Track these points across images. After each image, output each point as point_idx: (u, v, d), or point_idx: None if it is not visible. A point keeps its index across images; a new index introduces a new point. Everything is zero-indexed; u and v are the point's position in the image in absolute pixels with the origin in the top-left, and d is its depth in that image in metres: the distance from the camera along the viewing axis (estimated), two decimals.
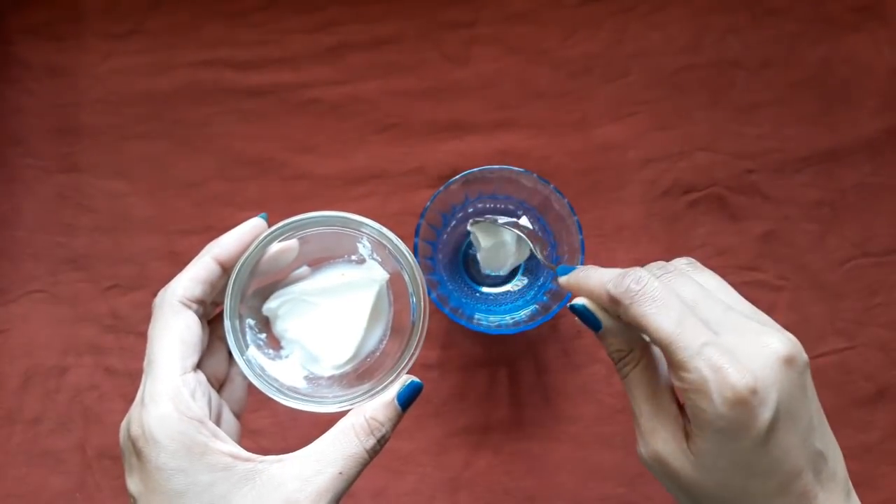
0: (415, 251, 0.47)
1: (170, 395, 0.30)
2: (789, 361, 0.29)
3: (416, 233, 0.47)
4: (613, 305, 0.32)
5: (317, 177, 0.54)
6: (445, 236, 0.51)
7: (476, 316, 0.49)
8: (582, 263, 0.46)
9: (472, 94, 0.55)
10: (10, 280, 0.54)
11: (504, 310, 0.50)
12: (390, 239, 0.35)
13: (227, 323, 0.34)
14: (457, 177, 0.47)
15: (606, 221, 0.53)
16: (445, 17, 0.56)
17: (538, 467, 0.51)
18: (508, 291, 0.52)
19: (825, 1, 0.55)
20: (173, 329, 0.31)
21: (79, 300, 0.54)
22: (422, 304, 0.35)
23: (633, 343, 0.33)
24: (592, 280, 0.33)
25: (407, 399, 0.33)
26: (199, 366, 0.34)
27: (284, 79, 0.55)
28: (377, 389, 0.33)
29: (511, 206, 0.51)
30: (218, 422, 0.34)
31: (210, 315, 0.36)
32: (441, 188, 0.47)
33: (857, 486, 0.52)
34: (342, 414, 0.33)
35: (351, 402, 0.33)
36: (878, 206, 0.54)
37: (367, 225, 0.35)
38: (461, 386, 0.52)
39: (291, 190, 0.54)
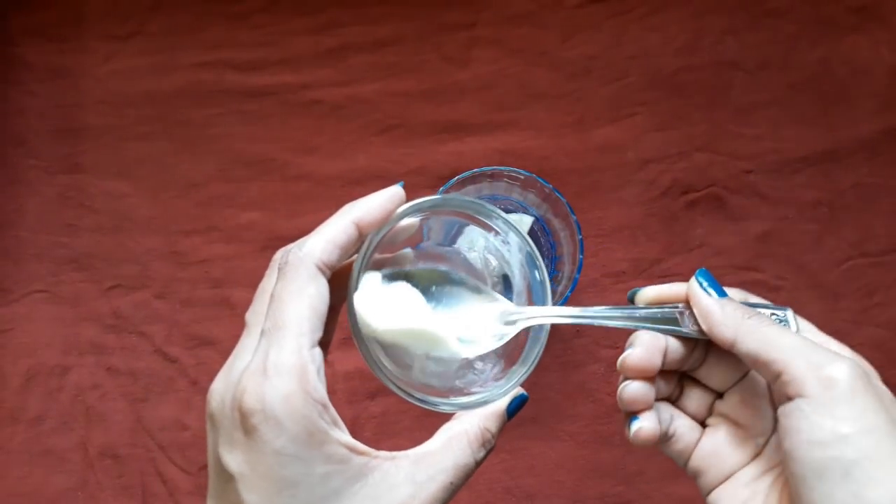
0: None
1: (298, 370, 0.25)
2: (863, 379, 0.28)
3: None
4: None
5: (318, 177, 0.55)
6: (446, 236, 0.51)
7: None
8: (581, 263, 0.46)
9: (472, 95, 0.55)
10: (12, 280, 0.54)
11: None
12: (521, 236, 0.33)
13: (350, 293, 0.29)
14: (457, 177, 0.47)
15: (605, 221, 0.54)
16: (445, 19, 0.56)
17: (538, 466, 0.51)
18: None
19: (823, 2, 0.56)
20: (308, 295, 0.27)
21: (81, 300, 0.54)
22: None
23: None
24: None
25: (515, 411, 0.31)
26: None
27: (285, 80, 0.55)
28: (493, 395, 0.31)
29: (511, 207, 0.51)
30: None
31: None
32: (441, 188, 0.47)
33: None
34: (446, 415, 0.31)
35: (464, 406, 0.30)
36: (875, 206, 0.54)
37: (498, 216, 0.32)
38: None
39: (292, 190, 0.54)
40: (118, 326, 0.54)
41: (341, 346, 0.52)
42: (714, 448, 0.32)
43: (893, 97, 0.55)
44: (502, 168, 0.47)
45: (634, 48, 0.55)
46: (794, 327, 0.32)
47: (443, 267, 0.33)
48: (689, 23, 0.56)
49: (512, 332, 0.33)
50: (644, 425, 0.32)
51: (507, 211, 0.51)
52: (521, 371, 0.32)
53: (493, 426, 0.31)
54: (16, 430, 0.53)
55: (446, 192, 0.47)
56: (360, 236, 0.30)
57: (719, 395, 0.33)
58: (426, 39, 0.56)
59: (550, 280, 0.49)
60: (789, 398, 0.27)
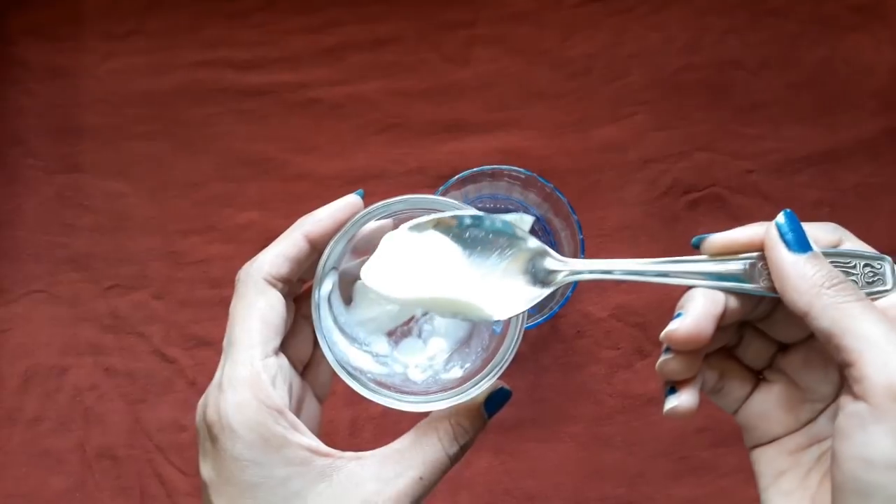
0: None
1: (249, 381, 0.28)
2: None
3: None
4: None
5: (317, 177, 0.54)
6: None
7: None
8: None
9: (472, 94, 0.55)
10: (10, 280, 0.54)
11: None
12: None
13: (314, 304, 0.31)
14: (456, 177, 0.47)
15: (606, 221, 0.53)
16: (445, 18, 0.56)
17: (538, 467, 0.51)
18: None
19: (824, 1, 0.55)
20: (257, 308, 0.29)
21: (79, 300, 0.54)
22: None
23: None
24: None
25: (495, 407, 0.31)
26: (281, 348, 0.31)
27: (284, 79, 0.55)
28: (465, 392, 0.31)
29: (511, 207, 0.51)
30: (299, 408, 0.32)
31: (296, 292, 0.33)
32: (441, 188, 0.47)
33: None
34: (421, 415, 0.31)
35: (437, 403, 0.31)
36: (877, 206, 0.54)
37: (466, 213, 0.32)
38: None
39: (292, 190, 0.54)
40: (116, 327, 0.53)
41: None
42: (764, 407, 0.30)
43: (894, 96, 0.55)
44: (503, 167, 0.47)
45: (635, 47, 0.55)
46: (888, 282, 0.27)
47: (477, 213, 0.31)
48: (690, 22, 0.55)
49: (550, 289, 0.31)
50: (682, 402, 0.29)
51: (508, 210, 0.51)
52: (495, 367, 0.31)
53: (465, 421, 0.30)
54: (13, 431, 0.52)
55: (446, 191, 0.47)
56: (313, 248, 0.31)
57: (782, 347, 0.30)
58: (426, 38, 0.56)
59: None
60: (854, 396, 0.24)
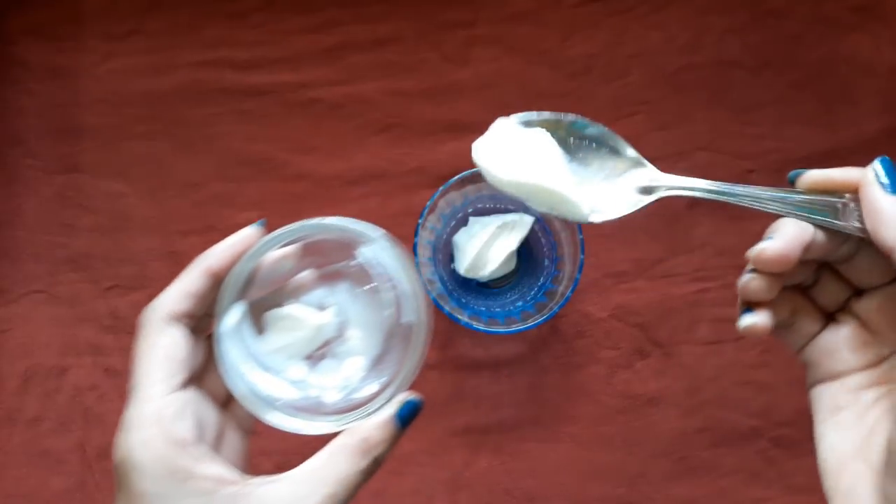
0: (414, 251, 0.47)
1: (153, 417, 0.29)
2: None
3: (416, 233, 0.47)
4: None
5: (317, 177, 0.54)
6: (445, 236, 0.51)
7: (476, 316, 0.49)
8: (581, 263, 0.46)
9: (472, 94, 0.55)
10: (10, 280, 0.54)
11: (504, 310, 0.50)
12: (389, 241, 0.34)
13: (214, 337, 0.32)
14: (457, 177, 0.47)
15: (606, 221, 0.53)
16: (445, 18, 0.56)
17: (538, 467, 0.51)
18: (508, 292, 0.52)
19: (825, 1, 0.55)
20: (158, 346, 0.30)
21: (79, 300, 0.54)
22: (422, 314, 0.33)
23: None
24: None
25: (406, 417, 0.32)
26: (199, 382, 0.32)
27: (284, 79, 0.55)
28: (375, 408, 0.32)
29: (511, 207, 0.51)
30: (220, 440, 0.32)
31: (210, 330, 0.34)
32: (441, 188, 0.47)
33: None
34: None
35: (346, 422, 0.32)
36: None
37: (366, 231, 0.34)
38: (461, 386, 0.52)
39: (291, 190, 0.54)
40: (116, 327, 0.53)
41: None
42: (831, 346, 0.30)
43: (895, 96, 0.54)
44: None
45: (635, 47, 0.55)
46: None
47: (578, 120, 0.32)
48: (690, 21, 0.55)
49: (647, 200, 0.32)
50: (759, 320, 0.29)
51: (508, 211, 0.51)
52: (403, 378, 0.32)
53: (375, 434, 0.31)
54: (13, 431, 0.52)
55: (446, 191, 0.47)
56: (215, 282, 0.32)
57: (858, 292, 0.30)
58: (426, 38, 0.56)
59: (551, 281, 0.49)
60: None
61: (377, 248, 0.34)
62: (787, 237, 0.28)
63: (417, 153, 0.54)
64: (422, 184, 0.54)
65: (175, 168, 0.55)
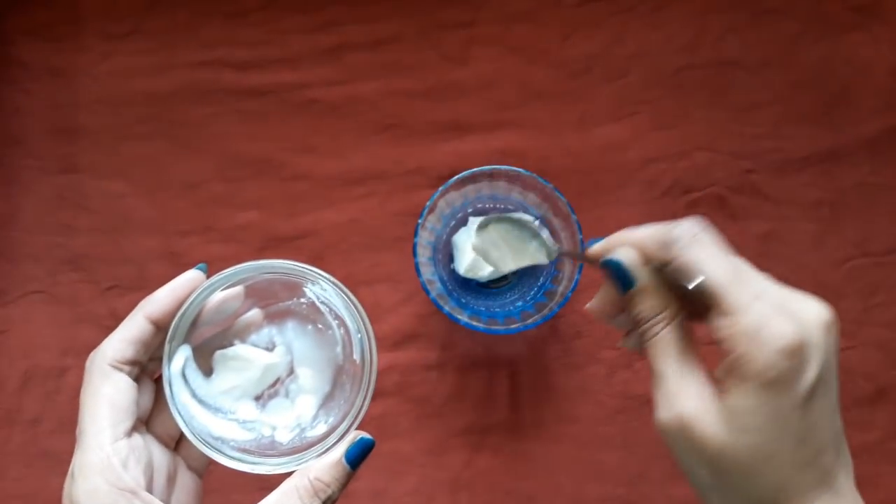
0: (414, 252, 0.47)
1: (99, 466, 0.29)
2: (830, 327, 0.29)
3: (416, 233, 0.47)
4: (663, 251, 0.30)
5: (316, 177, 0.54)
6: (445, 237, 0.51)
7: (476, 316, 0.49)
8: (581, 263, 0.46)
9: (472, 94, 0.55)
10: (9, 281, 0.54)
11: (504, 310, 0.50)
12: (333, 283, 0.34)
13: (164, 381, 0.33)
14: (456, 177, 0.47)
15: (606, 221, 0.53)
16: (445, 17, 0.56)
17: (538, 467, 0.51)
18: (508, 292, 0.52)
19: (824, 0, 0.55)
20: (102, 394, 0.31)
21: (78, 301, 0.54)
22: (369, 352, 0.34)
23: (667, 301, 0.31)
24: (637, 233, 0.32)
25: (356, 457, 0.32)
26: (149, 425, 0.33)
27: (284, 79, 0.55)
28: (325, 448, 0.32)
29: (511, 207, 0.51)
30: (171, 482, 0.33)
31: (157, 372, 0.34)
32: (440, 188, 0.46)
33: (856, 485, 0.51)
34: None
35: (298, 462, 0.32)
36: (878, 205, 0.54)
37: (310, 272, 0.34)
38: (461, 386, 0.52)
39: (291, 190, 0.54)
40: (116, 327, 0.53)
41: None
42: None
43: (894, 96, 0.55)
44: (502, 167, 0.47)
45: (635, 47, 0.55)
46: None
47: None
48: (690, 21, 0.55)
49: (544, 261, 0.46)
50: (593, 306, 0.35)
51: (507, 210, 0.51)
52: (351, 418, 0.33)
53: (325, 476, 0.31)
54: (13, 432, 0.52)
55: (445, 191, 0.47)
56: (158, 327, 0.32)
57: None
58: (425, 38, 0.55)
59: (551, 281, 0.49)
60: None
61: (323, 287, 0.35)
62: (599, 298, 0.34)
63: (417, 153, 0.54)
64: (421, 184, 0.54)
65: (174, 168, 0.55)
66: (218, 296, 0.34)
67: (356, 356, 0.35)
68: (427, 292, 0.46)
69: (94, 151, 0.55)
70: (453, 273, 0.51)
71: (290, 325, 0.37)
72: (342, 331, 0.36)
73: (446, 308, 0.46)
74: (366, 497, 0.51)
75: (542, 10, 0.56)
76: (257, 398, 0.36)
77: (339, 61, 0.55)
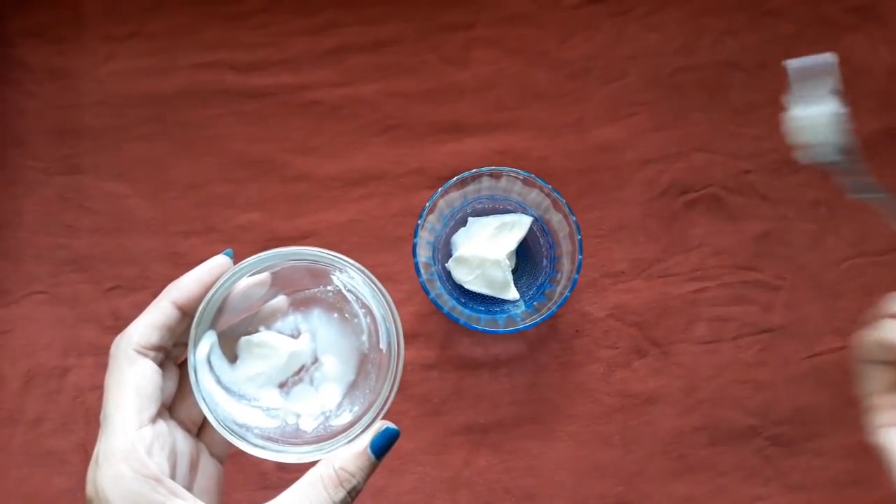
0: (414, 252, 0.47)
1: (124, 453, 0.29)
2: None
3: (416, 233, 0.47)
4: None
5: (317, 178, 0.55)
6: (445, 237, 0.52)
7: (475, 316, 0.49)
8: (580, 263, 0.46)
9: (471, 95, 0.55)
10: (11, 281, 0.54)
11: (503, 309, 0.51)
12: (361, 271, 0.34)
13: (190, 368, 0.32)
14: (456, 177, 0.47)
15: (605, 221, 0.54)
16: (444, 20, 0.56)
17: (537, 466, 0.51)
18: None
19: (822, 2, 0.56)
20: (128, 380, 0.30)
21: (80, 301, 0.54)
22: (396, 341, 0.33)
23: None
24: None
25: (381, 447, 0.31)
26: (172, 411, 0.33)
27: (285, 80, 0.56)
28: (351, 437, 0.32)
29: (510, 208, 0.51)
30: (194, 469, 0.33)
31: (181, 357, 0.34)
32: (440, 189, 0.47)
33: (854, 484, 0.52)
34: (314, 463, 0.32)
35: (322, 451, 0.32)
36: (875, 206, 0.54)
37: (338, 260, 0.34)
38: (460, 385, 0.52)
39: (292, 191, 0.54)
40: (117, 327, 0.53)
41: None
42: None
43: (892, 96, 0.55)
44: (501, 168, 0.47)
45: (633, 48, 0.56)
46: None
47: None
48: (687, 23, 0.56)
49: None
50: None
51: (506, 211, 0.51)
52: (377, 408, 0.32)
53: (350, 465, 0.31)
54: (15, 432, 0.53)
55: (445, 192, 0.47)
56: (184, 313, 0.32)
57: None
58: (425, 40, 0.56)
59: (549, 281, 0.50)
60: None
61: (351, 276, 0.34)
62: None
63: (417, 154, 0.55)
64: (421, 184, 0.54)
65: (176, 169, 0.55)
66: (244, 282, 0.34)
67: (382, 345, 0.34)
68: (427, 292, 0.46)
69: (97, 152, 0.55)
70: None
71: (316, 313, 0.36)
72: (368, 320, 0.35)
73: (446, 308, 0.46)
74: (366, 495, 0.51)
75: (540, 13, 0.56)
76: (282, 385, 0.35)
77: (340, 63, 0.56)
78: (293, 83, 0.55)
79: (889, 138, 0.54)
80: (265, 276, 0.34)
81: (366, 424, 0.32)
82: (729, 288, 0.53)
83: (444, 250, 0.52)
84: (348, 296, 0.35)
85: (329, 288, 0.36)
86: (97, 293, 0.54)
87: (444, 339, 0.53)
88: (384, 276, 0.53)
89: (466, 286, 0.50)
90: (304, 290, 0.36)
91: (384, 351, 0.34)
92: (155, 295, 0.33)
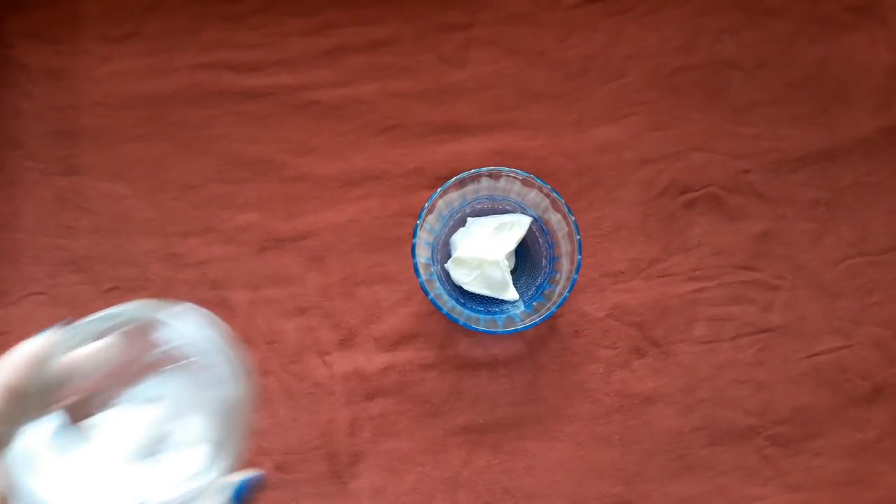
0: (413, 252, 0.47)
1: None
2: None
3: (415, 234, 0.47)
4: None
5: (315, 178, 0.55)
6: (444, 237, 0.51)
7: (475, 316, 0.49)
8: (579, 263, 0.46)
9: (470, 95, 0.55)
10: (10, 282, 0.54)
11: (502, 310, 0.51)
12: (190, 318, 0.31)
13: (6, 461, 0.28)
14: (455, 178, 0.47)
15: (603, 221, 0.54)
16: (443, 20, 0.56)
17: (537, 466, 0.51)
18: None
19: (820, 1, 0.56)
20: None
21: (79, 302, 0.54)
22: (241, 382, 0.30)
23: None
24: None
25: (244, 495, 0.30)
26: None
27: (283, 81, 0.56)
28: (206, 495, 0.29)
29: (508, 208, 0.51)
30: None
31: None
32: (439, 189, 0.47)
33: (854, 483, 0.52)
34: None
35: None
36: (874, 205, 0.54)
37: (160, 313, 0.30)
38: (460, 385, 0.52)
39: (290, 191, 0.54)
40: None
41: (339, 347, 0.52)
42: None
43: (891, 95, 0.55)
44: (500, 168, 0.47)
45: (632, 48, 0.56)
46: None
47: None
48: (686, 22, 0.56)
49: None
50: None
51: (505, 212, 0.51)
52: (225, 457, 0.29)
53: None
54: None
55: (444, 192, 0.47)
56: (14, 395, 0.28)
57: None
58: (423, 40, 0.56)
59: (549, 281, 0.50)
60: None
61: (181, 327, 0.31)
62: None
63: (416, 154, 0.55)
64: (420, 185, 0.54)
65: (174, 170, 0.55)
66: (82, 351, 0.31)
67: (231, 389, 0.31)
68: (426, 293, 0.46)
69: (95, 153, 0.55)
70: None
71: (166, 373, 0.32)
72: (220, 367, 0.32)
73: (445, 308, 0.46)
74: (365, 495, 0.51)
75: (539, 13, 0.56)
76: (145, 458, 0.31)
77: (338, 63, 0.56)
78: (291, 83, 0.55)
79: (889, 138, 0.54)
80: (104, 341, 0.31)
81: (219, 478, 0.29)
82: (728, 288, 0.53)
83: (443, 251, 0.52)
84: (187, 349, 0.32)
85: (166, 347, 0.32)
86: (96, 294, 0.54)
87: (444, 339, 0.53)
88: (383, 276, 0.53)
89: (465, 287, 0.49)
90: (147, 352, 0.32)
91: (234, 395, 0.31)
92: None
